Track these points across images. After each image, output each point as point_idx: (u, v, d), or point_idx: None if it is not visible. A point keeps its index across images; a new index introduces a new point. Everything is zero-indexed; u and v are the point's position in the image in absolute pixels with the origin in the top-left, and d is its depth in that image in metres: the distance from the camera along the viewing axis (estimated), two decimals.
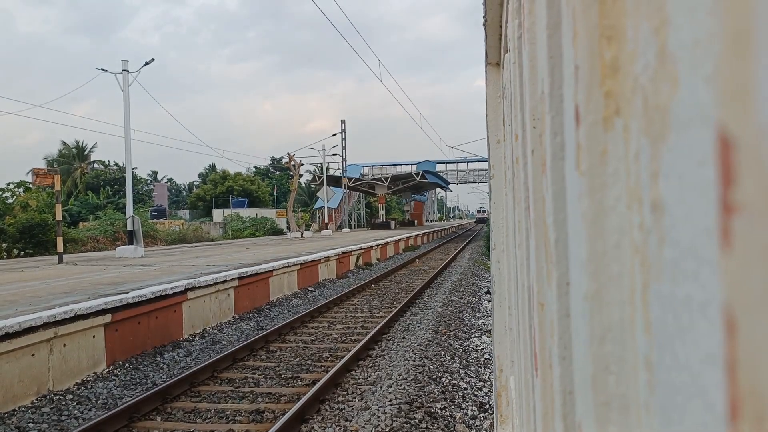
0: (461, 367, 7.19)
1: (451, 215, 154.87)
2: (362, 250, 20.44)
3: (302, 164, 36.83)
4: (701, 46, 0.28)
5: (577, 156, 0.49)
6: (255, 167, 73.82)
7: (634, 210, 0.41)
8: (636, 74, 0.38)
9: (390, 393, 6.00)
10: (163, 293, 8.52)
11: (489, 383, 6.45)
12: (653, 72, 0.34)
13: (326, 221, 38.11)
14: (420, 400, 5.82)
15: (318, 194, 41.23)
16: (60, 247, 16.35)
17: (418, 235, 34.56)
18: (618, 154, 0.43)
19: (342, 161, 49.11)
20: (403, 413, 5.42)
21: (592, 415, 0.55)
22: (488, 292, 13.10)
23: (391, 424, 5.14)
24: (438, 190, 75.40)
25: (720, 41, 0.24)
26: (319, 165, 42.21)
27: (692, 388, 0.33)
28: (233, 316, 10.58)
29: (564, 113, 0.60)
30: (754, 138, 0.20)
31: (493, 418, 5.07)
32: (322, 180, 37.92)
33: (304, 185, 62.27)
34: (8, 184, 33.10)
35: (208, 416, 5.59)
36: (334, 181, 43.02)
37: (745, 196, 0.21)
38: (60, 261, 15.82)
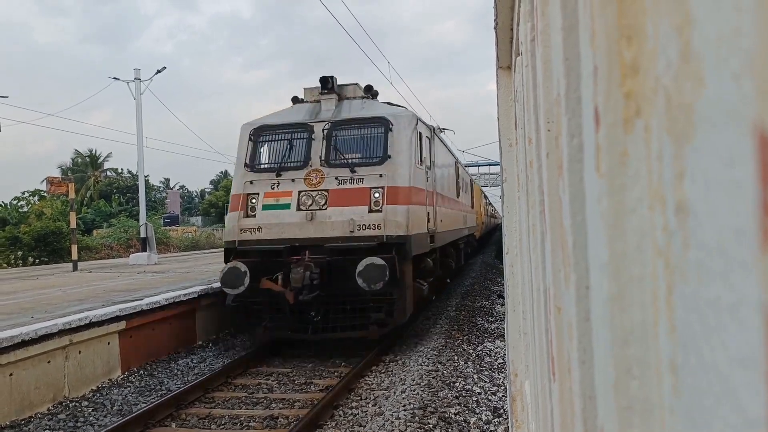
0: (475, 371, 7.16)
1: None
2: None
3: None
4: (727, 43, 0.27)
5: (596, 158, 0.48)
6: None
7: (656, 211, 0.40)
8: (657, 74, 0.37)
9: (404, 398, 5.98)
10: (177, 300, 8.57)
11: (503, 388, 6.41)
12: (676, 71, 0.34)
13: None
14: (434, 405, 5.80)
15: None
16: (74, 255, 16.53)
17: None
18: (639, 155, 0.43)
19: None
20: (417, 418, 5.40)
21: (614, 419, 0.54)
22: (500, 296, 13.03)
23: (405, 430, 5.12)
24: None
25: (751, 36, 0.23)
26: None
27: (721, 391, 0.32)
28: None
29: (582, 115, 0.60)
30: None
31: (507, 423, 5.04)
32: None
33: None
34: (23, 193, 33.54)
35: (222, 422, 5.61)
36: None
37: None
38: (75, 268, 15.97)
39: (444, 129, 15.87)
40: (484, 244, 34.59)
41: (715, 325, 0.32)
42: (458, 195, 14.94)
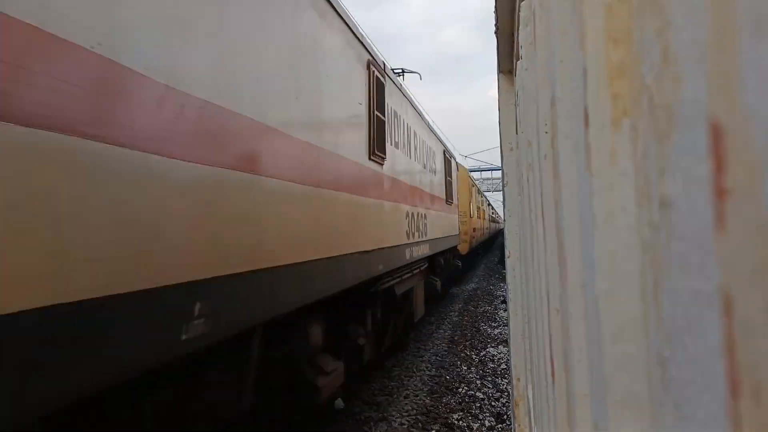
0: (478, 377, 7.15)
1: None
2: None
3: None
4: (701, 45, 0.29)
5: (586, 157, 0.49)
6: None
7: (644, 208, 0.41)
8: (642, 75, 0.39)
9: (407, 404, 5.98)
10: None
11: (506, 393, 6.40)
12: (658, 72, 0.35)
13: None
14: (437, 411, 5.79)
15: None
16: None
17: None
18: (626, 153, 0.44)
19: None
20: (420, 424, 5.39)
21: (607, 415, 0.55)
22: (503, 302, 13.03)
23: None
24: None
25: (709, 36, 0.25)
26: None
27: (702, 381, 0.34)
28: None
29: (573, 116, 0.61)
30: (739, 124, 0.21)
31: (511, 429, 5.03)
32: None
33: None
34: None
35: None
36: None
37: (735, 180, 0.22)
38: None
39: None
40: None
41: (696, 316, 0.33)
42: (411, 158, 7.20)
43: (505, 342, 8.94)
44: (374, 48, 5.49)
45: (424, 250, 7.72)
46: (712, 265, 0.28)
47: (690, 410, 0.37)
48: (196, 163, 2.13)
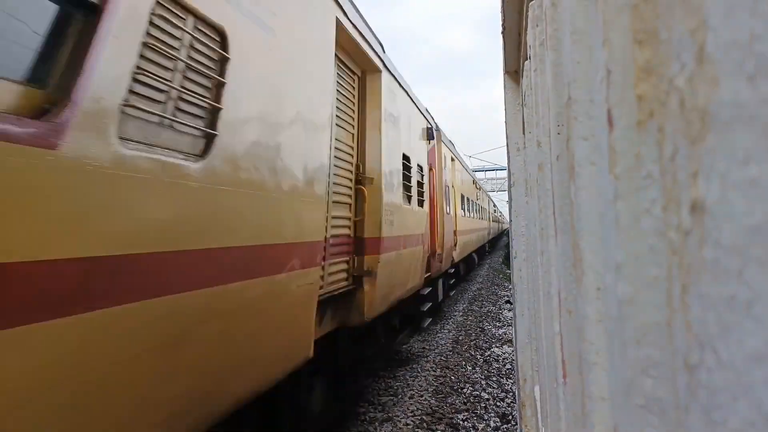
0: (483, 377, 7.14)
1: None
2: None
3: None
4: (742, 47, 0.28)
5: (610, 160, 0.49)
6: None
7: (671, 211, 0.41)
8: (671, 77, 0.38)
9: (412, 404, 5.97)
10: None
11: (511, 394, 6.38)
12: (690, 74, 0.34)
13: None
14: (442, 411, 5.78)
15: None
16: None
17: None
18: (652, 156, 0.43)
19: None
20: (425, 424, 5.39)
21: (628, 420, 0.54)
22: (508, 302, 13.01)
23: None
24: None
25: (765, 41, 0.24)
26: None
27: (737, 388, 0.33)
28: None
29: (593, 118, 0.61)
30: None
31: (516, 430, 5.02)
32: None
33: None
34: None
35: None
36: None
37: None
38: None
39: None
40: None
41: (731, 322, 0.33)
42: None
43: (510, 342, 8.93)
44: None
45: None
46: (754, 272, 0.27)
47: (720, 416, 0.36)
48: None
